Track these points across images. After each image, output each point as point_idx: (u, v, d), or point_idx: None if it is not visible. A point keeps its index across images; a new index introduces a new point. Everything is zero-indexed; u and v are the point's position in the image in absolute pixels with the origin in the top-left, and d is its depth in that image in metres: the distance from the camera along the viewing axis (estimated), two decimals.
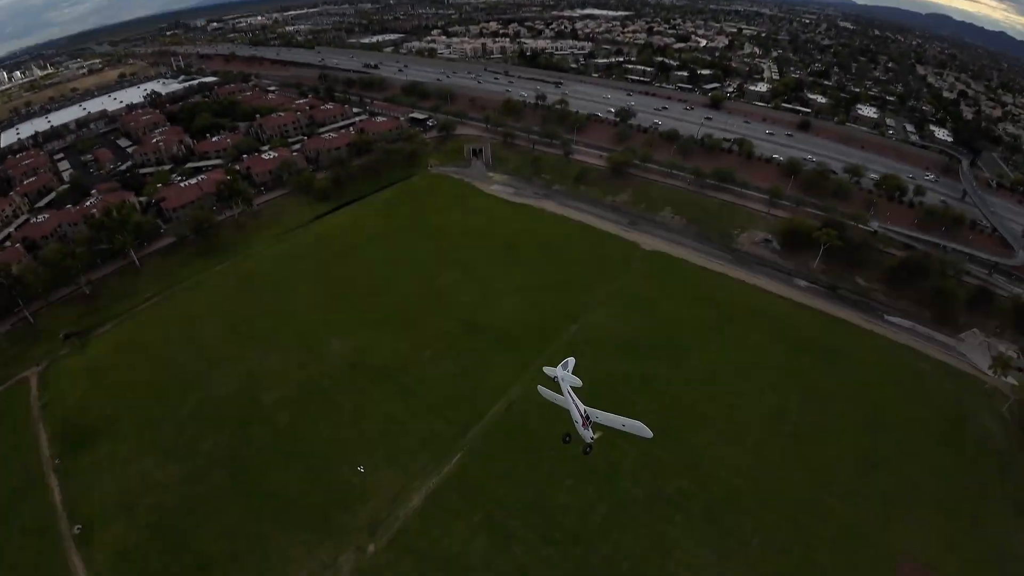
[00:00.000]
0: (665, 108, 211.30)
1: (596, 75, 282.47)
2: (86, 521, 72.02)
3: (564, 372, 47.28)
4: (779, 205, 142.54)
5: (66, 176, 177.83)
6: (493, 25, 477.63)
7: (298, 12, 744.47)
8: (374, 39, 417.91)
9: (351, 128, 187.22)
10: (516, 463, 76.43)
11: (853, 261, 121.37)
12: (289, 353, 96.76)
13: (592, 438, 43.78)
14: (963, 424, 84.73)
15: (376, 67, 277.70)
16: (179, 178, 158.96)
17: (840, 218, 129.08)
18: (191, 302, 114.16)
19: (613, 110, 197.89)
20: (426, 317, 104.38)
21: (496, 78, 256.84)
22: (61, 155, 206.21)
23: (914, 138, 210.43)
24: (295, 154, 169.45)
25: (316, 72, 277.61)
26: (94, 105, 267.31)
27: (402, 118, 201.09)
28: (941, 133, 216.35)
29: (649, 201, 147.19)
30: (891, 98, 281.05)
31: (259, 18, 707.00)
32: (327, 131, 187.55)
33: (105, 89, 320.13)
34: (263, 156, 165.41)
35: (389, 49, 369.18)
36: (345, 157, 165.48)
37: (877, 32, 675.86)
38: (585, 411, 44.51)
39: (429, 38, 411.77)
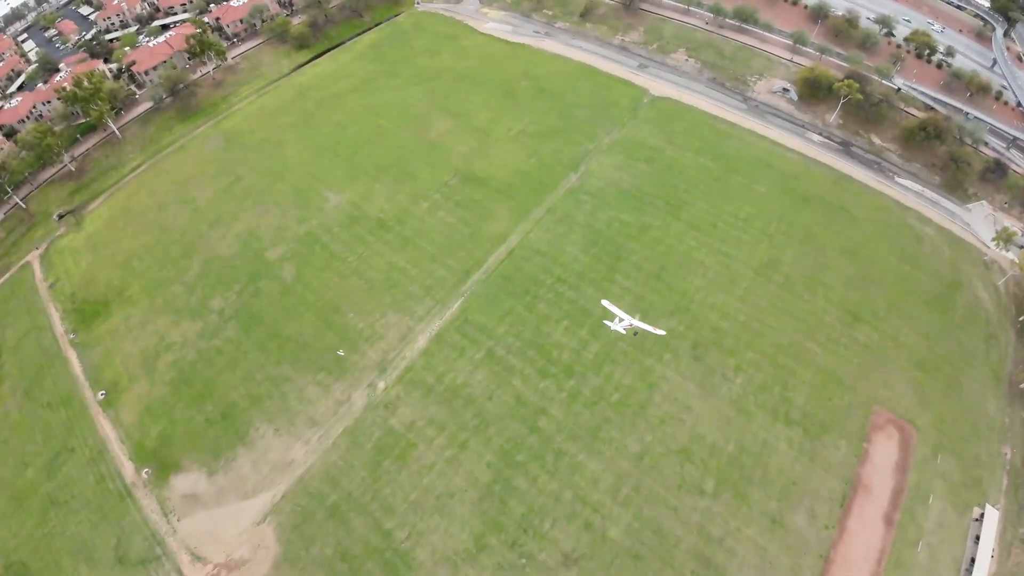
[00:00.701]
0: None
1: None
2: (109, 385, 75.37)
3: (623, 323, 69.26)
4: (802, 52, 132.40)
5: (33, 56, 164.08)
6: None
7: None
8: None
9: None
10: (515, 306, 78.35)
11: (872, 118, 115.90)
12: (286, 209, 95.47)
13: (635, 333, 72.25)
14: (956, 290, 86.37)
15: None
16: (147, 39, 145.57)
17: (864, 71, 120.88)
18: (179, 166, 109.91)
19: None
20: (421, 168, 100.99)
21: None
22: (25, 36, 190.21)
23: None
24: None
25: None
26: None
27: None
28: None
29: (661, 41, 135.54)
30: None
31: None
32: None
33: None
34: (232, 3, 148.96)
35: None
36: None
37: None
38: (632, 325, 69.30)
39: None
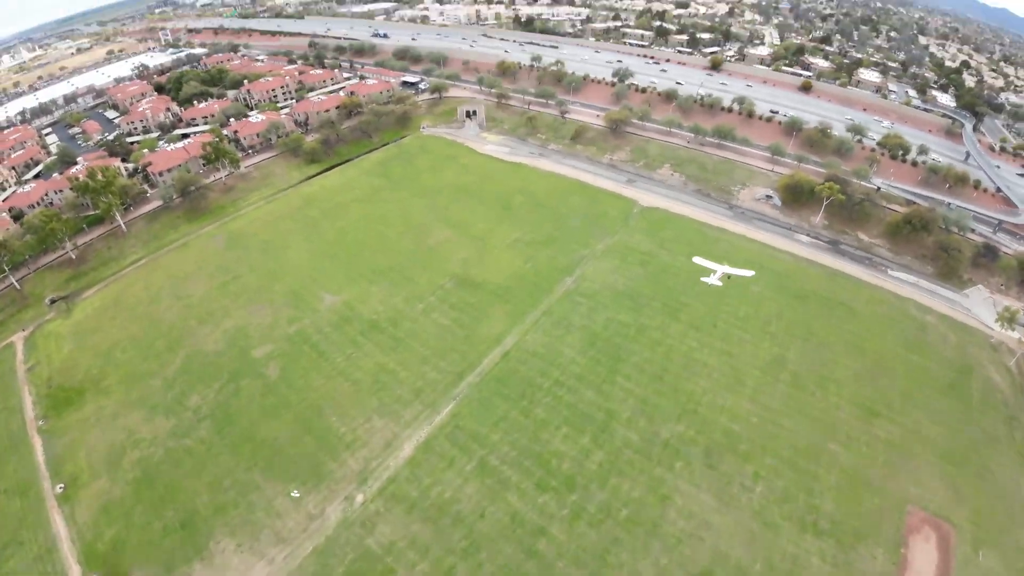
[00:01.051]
0: (664, 71, 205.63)
1: (593, 39, 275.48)
2: (69, 479, 70.12)
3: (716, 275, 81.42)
4: (780, 162, 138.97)
5: (54, 149, 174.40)
6: None
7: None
8: (365, 7, 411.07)
9: (341, 92, 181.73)
10: (510, 411, 74.00)
11: (856, 216, 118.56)
12: (279, 309, 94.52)
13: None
14: (968, 375, 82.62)
15: (386, 36, 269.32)
16: (166, 144, 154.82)
17: (842, 174, 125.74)
18: (178, 262, 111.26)
19: (610, 71, 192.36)
20: (419, 273, 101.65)
21: (490, 41, 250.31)
22: (49, 130, 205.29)
23: (917, 102, 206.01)
24: (284, 117, 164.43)
25: (306, 40, 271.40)
26: (82, 81, 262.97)
27: (393, 81, 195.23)
28: (944, 98, 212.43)
29: (647, 159, 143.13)
30: (894, 64, 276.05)
31: None
32: (316, 95, 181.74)
33: (94, 66, 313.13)
34: (251, 120, 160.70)
35: (381, 17, 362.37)
36: (335, 119, 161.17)
37: (879, 3, 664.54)
38: (725, 273, 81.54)
39: (422, 6, 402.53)
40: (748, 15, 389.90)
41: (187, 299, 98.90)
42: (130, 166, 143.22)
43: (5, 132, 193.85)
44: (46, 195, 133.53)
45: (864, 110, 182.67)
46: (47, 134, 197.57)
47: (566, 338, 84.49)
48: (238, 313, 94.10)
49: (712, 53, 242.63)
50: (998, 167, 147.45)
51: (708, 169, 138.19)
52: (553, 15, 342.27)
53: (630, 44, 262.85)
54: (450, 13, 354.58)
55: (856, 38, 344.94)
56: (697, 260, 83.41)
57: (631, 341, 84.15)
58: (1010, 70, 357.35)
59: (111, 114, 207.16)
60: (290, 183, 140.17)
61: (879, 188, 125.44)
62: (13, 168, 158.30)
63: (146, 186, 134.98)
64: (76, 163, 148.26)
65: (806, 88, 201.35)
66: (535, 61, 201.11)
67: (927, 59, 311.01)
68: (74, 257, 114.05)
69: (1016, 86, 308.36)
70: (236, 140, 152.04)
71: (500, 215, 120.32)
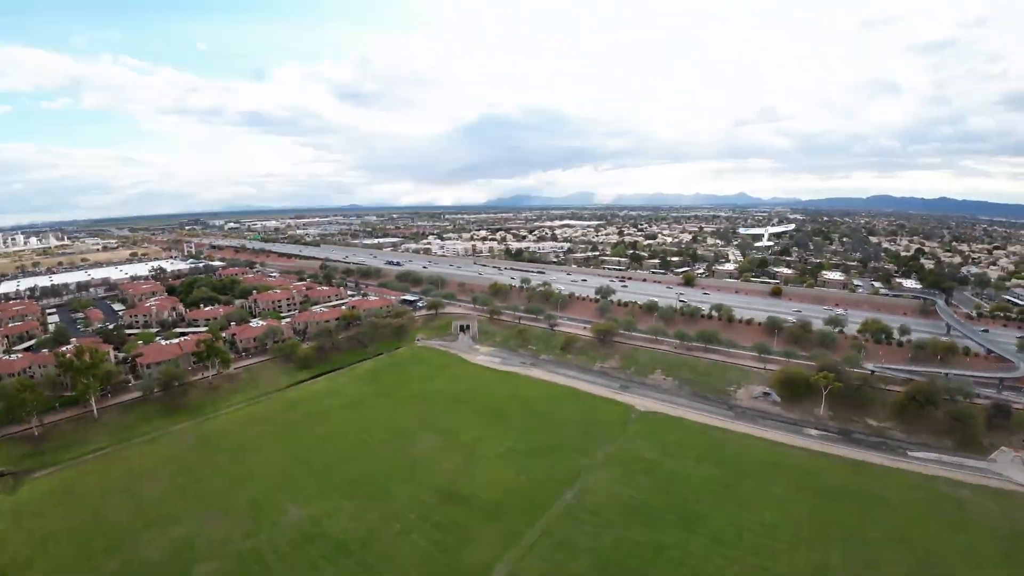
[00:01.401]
0: (642, 289, 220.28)
1: (575, 266, 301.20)
2: None
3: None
4: (769, 360, 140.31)
5: (51, 328, 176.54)
6: (483, 233, 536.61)
7: (310, 220, 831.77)
8: (376, 241, 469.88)
9: (343, 306, 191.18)
10: None
11: (858, 403, 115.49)
12: (236, 519, 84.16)
13: None
14: (1021, 541, 73.16)
15: (399, 264, 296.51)
16: (162, 340, 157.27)
17: (833, 363, 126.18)
18: (141, 457, 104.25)
19: (593, 289, 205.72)
20: (399, 485, 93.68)
21: (484, 268, 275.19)
22: (54, 310, 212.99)
23: (884, 291, 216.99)
24: (284, 325, 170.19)
25: (319, 263, 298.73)
26: (99, 273, 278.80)
27: (393, 298, 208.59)
28: (909, 283, 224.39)
29: (638, 365, 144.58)
30: (853, 263, 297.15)
31: (274, 222, 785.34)
32: (319, 308, 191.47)
33: (114, 264, 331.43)
34: (251, 325, 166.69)
35: (388, 249, 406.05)
36: (333, 329, 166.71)
37: (825, 218, 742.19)
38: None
39: (425, 241, 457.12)
40: (710, 240, 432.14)
41: (140, 498, 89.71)
42: (121, 355, 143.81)
43: (10, 303, 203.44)
44: (29, 367, 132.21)
45: (836, 305, 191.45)
46: (51, 313, 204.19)
47: (571, 565, 74.37)
48: (190, 520, 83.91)
49: (683, 271, 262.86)
50: (985, 331, 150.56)
51: (700, 371, 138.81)
52: (539, 248, 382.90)
53: (608, 269, 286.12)
54: (450, 247, 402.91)
55: (812, 248, 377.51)
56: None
57: (649, 564, 74.36)
58: (964, 247, 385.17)
59: (118, 307, 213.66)
60: (277, 387, 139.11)
61: (873, 371, 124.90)
62: (6, 337, 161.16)
63: (131, 376, 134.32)
64: (68, 343, 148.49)
65: (776, 293, 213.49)
66: (524, 283, 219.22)
67: (883, 254, 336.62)
68: (37, 434, 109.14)
69: (973, 258, 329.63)
70: (232, 343, 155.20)
71: (491, 422, 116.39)
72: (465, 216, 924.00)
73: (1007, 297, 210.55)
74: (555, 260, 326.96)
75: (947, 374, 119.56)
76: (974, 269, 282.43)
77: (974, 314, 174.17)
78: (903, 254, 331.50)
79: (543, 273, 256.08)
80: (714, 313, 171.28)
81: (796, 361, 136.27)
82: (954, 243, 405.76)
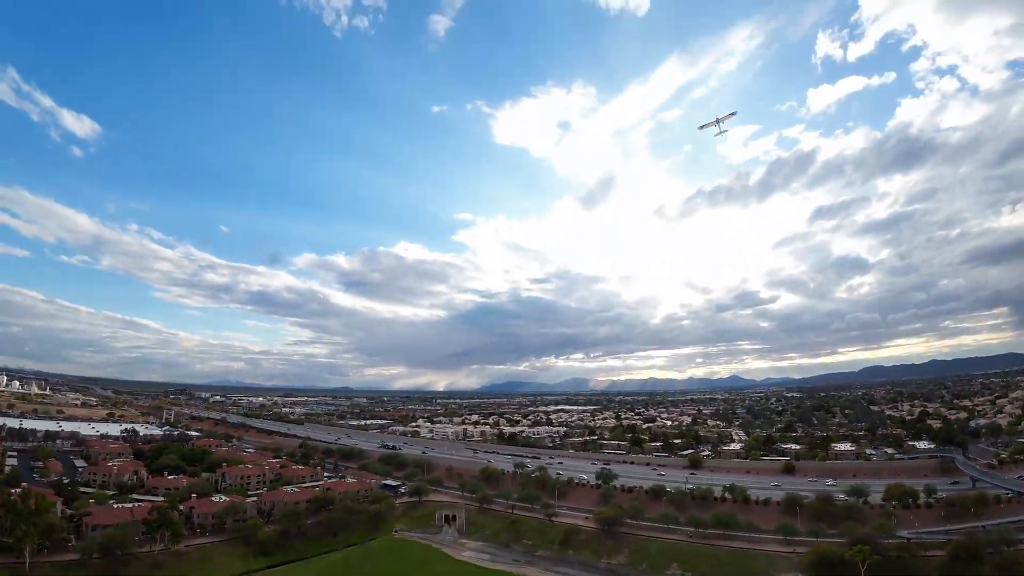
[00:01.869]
0: (644, 473, 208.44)
1: (572, 451, 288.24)
2: None
3: None
4: (795, 541, 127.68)
5: (7, 470, 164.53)
6: (475, 417, 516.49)
7: (297, 399, 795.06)
8: (363, 423, 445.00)
9: (317, 488, 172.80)
10: None
11: (901, 570, 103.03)
12: None
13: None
14: None
15: (391, 447, 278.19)
16: (115, 504, 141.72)
17: (866, 536, 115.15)
18: None
19: (593, 475, 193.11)
20: None
21: (475, 452, 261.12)
22: (15, 454, 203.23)
23: (898, 455, 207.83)
24: (249, 503, 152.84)
25: (298, 442, 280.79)
26: (71, 426, 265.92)
27: (373, 482, 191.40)
28: (921, 444, 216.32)
29: (650, 559, 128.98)
30: (860, 433, 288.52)
31: (260, 399, 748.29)
32: (291, 488, 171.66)
33: (89, 421, 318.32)
34: (212, 499, 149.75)
35: (375, 431, 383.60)
36: (302, 512, 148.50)
37: (823, 394, 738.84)
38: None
39: (414, 424, 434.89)
40: (710, 422, 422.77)
41: None
42: (68, 511, 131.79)
43: None
44: None
45: (854, 476, 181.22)
46: (11, 456, 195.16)
47: None
48: None
49: (688, 454, 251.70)
50: (1020, 478, 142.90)
51: (721, 562, 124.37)
52: (534, 432, 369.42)
53: (608, 453, 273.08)
54: (439, 430, 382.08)
55: (816, 422, 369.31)
56: None
57: None
58: (967, 402, 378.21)
59: (80, 462, 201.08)
60: (227, 572, 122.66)
61: (909, 539, 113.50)
62: None
63: (73, 536, 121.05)
64: (19, 487, 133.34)
65: (789, 469, 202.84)
66: (518, 468, 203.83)
67: (888, 420, 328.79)
68: None
69: (979, 411, 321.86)
70: (188, 516, 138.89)
71: None
72: (458, 401, 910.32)
73: (1022, 440, 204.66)
74: (551, 445, 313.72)
75: (984, 526, 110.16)
76: (982, 421, 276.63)
77: (995, 462, 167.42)
78: (908, 418, 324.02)
79: (538, 458, 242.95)
80: (727, 495, 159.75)
81: (825, 540, 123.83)
82: (955, 401, 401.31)
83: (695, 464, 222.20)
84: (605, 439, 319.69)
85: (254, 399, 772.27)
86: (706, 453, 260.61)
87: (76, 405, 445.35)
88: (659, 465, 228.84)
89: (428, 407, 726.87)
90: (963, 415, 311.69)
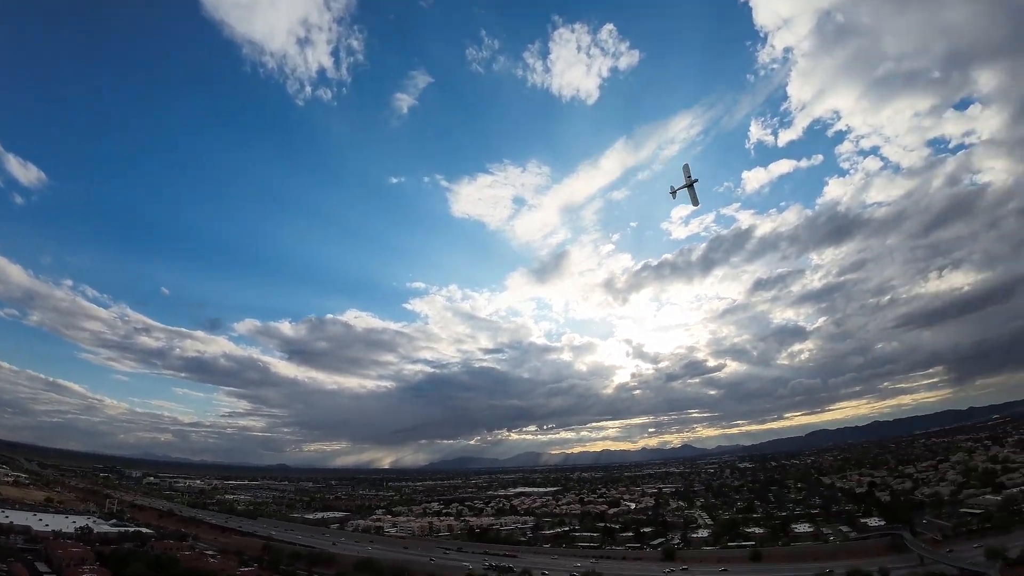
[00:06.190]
0: (623, 569, 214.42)
1: (547, 545, 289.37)
2: None
3: None
4: None
5: None
6: (435, 505, 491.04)
7: (239, 483, 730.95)
8: (319, 515, 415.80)
9: None
10: None
11: None
12: None
13: None
14: None
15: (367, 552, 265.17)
16: None
17: None
18: None
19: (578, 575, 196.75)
20: None
21: (447, 553, 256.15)
22: None
23: (853, 535, 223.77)
24: None
25: (259, 542, 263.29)
26: (17, 517, 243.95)
27: None
28: (873, 521, 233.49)
29: None
30: (815, 511, 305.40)
31: (198, 482, 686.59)
32: None
33: (30, 507, 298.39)
34: None
35: (335, 526, 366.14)
36: None
37: (774, 463, 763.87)
38: None
39: (374, 517, 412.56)
40: (672, 503, 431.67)
41: None
42: None
43: None
44: None
45: (815, 559, 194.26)
46: None
47: None
48: None
49: (660, 543, 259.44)
50: (950, 551, 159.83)
51: None
52: (502, 524, 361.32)
53: (582, 547, 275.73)
54: (403, 525, 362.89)
55: (773, 499, 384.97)
56: None
57: None
58: (910, 468, 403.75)
59: (42, 566, 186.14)
60: None
61: None
62: None
63: None
64: None
65: (756, 557, 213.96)
66: (501, 573, 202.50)
67: (839, 494, 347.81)
68: None
69: (922, 479, 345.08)
70: None
71: None
72: (410, 483, 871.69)
73: (964, 510, 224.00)
74: (523, 539, 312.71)
75: None
76: (927, 489, 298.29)
77: (940, 537, 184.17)
78: (858, 491, 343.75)
79: (515, 556, 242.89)
80: None
81: None
82: (900, 467, 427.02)
83: (669, 556, 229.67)
84: (577, 530, 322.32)
85: (192, 481, 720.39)
86: (676, 542, 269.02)
87: (9, 482, 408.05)
88: (635, 559, 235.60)
89: (380, 492, 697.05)
90: (908, 484, 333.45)
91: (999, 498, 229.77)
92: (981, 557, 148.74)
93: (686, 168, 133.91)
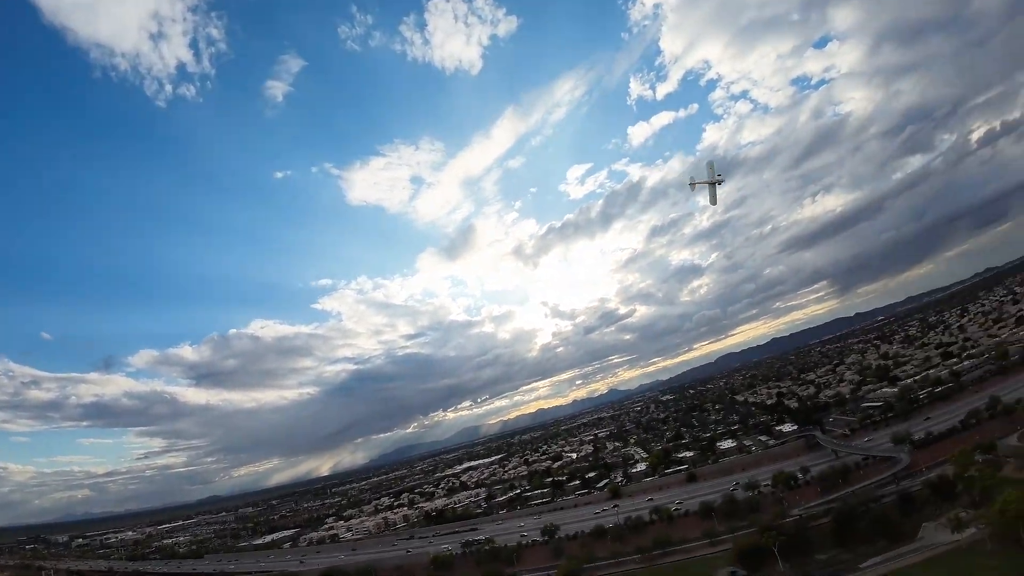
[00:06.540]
0: (577, 515, 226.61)
1: (503, 511, 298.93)
2: None
3: None
4: (720, 542, 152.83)
5: None
6: (385, 500, 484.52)
7: (174, 525, 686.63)
8: (267, 539, 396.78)
9: None
10: None
11: (802, 547, 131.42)
12: None
13: None
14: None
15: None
16: None
17: (768, 522, 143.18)
18: None
19: (537, 532, 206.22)
20: None
21: (410, 540, 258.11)
22: None
23: (771, 442, 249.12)
24: None
25: None
26: None
27: None
28: (787, 427, 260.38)
29: None
30: (735, 427, 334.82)
31: (130, 533, 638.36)
32: None
33: None
34: None
35: (287, 545, 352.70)
36: None
37: (692, 391, 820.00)
38: None
39: (326, 526, 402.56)
40: (609, 444, 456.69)
41: None
42: None
43: None
44: None
45: (743, 469, 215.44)
46: None
47: None
48: None
49: (604, 485, 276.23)
50: (868, 440, 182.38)
51: None
52: (456, 502, 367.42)
53: (536, 505, 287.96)
54: (357, 527, 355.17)
55: (696, 424, 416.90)
56: None
57: None
58: (812, 375, 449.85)
59: None
60: None
61: (801, 515, 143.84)
62: None
63: None
64: None
65: (692, 478, 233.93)
66: (466, 547, 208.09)
67: (753, 408, 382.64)
68: None
69: (823, 383, 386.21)
70: None
71: None
72: (354, 485, 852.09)
73: (865, 404, 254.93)
74: (479, 511, 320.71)
75: (852, 491, 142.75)
76: (829, 392, 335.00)
77: (848, 432, 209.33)
78: (768, 402, 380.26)
79: (476, 530, 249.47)
80: (654, 516, 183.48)
81: (740, 534, 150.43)
82: (802, 375, 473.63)
83: (615, 494, 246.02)
84: (528, 490, 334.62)
85: (123, 534, 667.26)
86: (619, 480, 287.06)
87: None
88: (585, 504, 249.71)
89: (327, 500, 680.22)
90: (812, 390, 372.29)
91: (895, 390, 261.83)
92: (888, 443, 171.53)
93: (710, 165, 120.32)
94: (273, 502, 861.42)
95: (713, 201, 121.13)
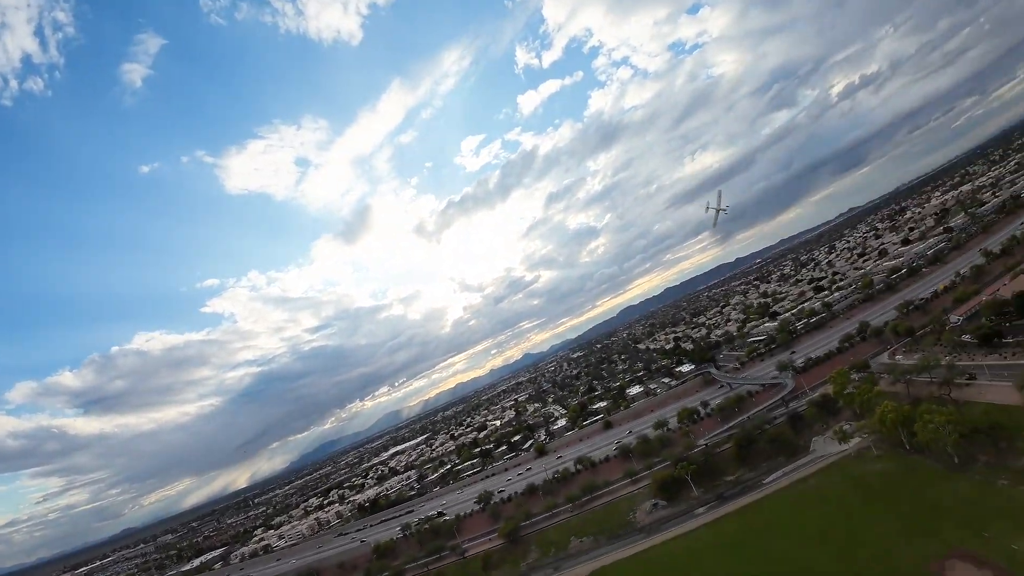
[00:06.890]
0: (508, 479, 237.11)
1: (437, 488, 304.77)
2: None
3: None
4: (640, 479, 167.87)
5: None
6: (315, 501, 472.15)
7: (91, 567, 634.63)
8: (195, 563, 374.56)
9: None
10: None
11: (711, 471, 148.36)
12: None
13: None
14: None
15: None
16: None
17: (679, 454, 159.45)
18: None
19: (473, 501, 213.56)
20: None
21: (352, 537, 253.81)
22: None
23: (673, 383, 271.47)
24: None
25: None
26: None
27: None
28: (686, 368, 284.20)
29: (555, 544, 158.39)
30: (640, 373, 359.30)
31: None
32: None
33: None
34: None
35: (218, 565, 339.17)
36: None
37: (599, 345, 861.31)
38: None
39: (256, 538, 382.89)
40: (530, 407, 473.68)
41: None
42: None
43: None
44: None
45: (652, 410, 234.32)
46: None
47: None
48: None
49: (530, 445, 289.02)
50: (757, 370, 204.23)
51: (602, 518, 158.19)
52: (388, 488, 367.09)
53: (468, 476, 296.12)
54: (289, 532, 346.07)
55: (606, 375, 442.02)
56: None
57: None
58: (702, 319, 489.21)
59: None
60: None
61: (706, 444, 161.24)
62: None
63: None
64: None
65: (608, 426, 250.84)
66: (406, 529, 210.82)
67: (655, 354, 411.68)
68: None
69: (712, 324, 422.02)
70: None
71: None
72: (277, 491, 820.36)
73: (751, 339, 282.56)
74: (414, 493, 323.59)
75: (748, 416, 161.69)
76: (718, 332, 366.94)
77: (738, 365, 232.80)
78: (667, 347, 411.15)
79: (413, 511, 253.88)
80: (580, 466, 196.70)
81: (657, 469, 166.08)
82: (694, 319, 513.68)
83: (541, 452, 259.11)
84: (457, 463, 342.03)
85: None
86: (543, 438, 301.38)
87: None
88: (515, 466, 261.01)
89: (249, 513, 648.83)
90: (703, 331, 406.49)
91: (776, 323, 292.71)
92: (775, 371, 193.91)
93: (719, 194, 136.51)
94: (193, 524, 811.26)
95: (714, 224, 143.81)
